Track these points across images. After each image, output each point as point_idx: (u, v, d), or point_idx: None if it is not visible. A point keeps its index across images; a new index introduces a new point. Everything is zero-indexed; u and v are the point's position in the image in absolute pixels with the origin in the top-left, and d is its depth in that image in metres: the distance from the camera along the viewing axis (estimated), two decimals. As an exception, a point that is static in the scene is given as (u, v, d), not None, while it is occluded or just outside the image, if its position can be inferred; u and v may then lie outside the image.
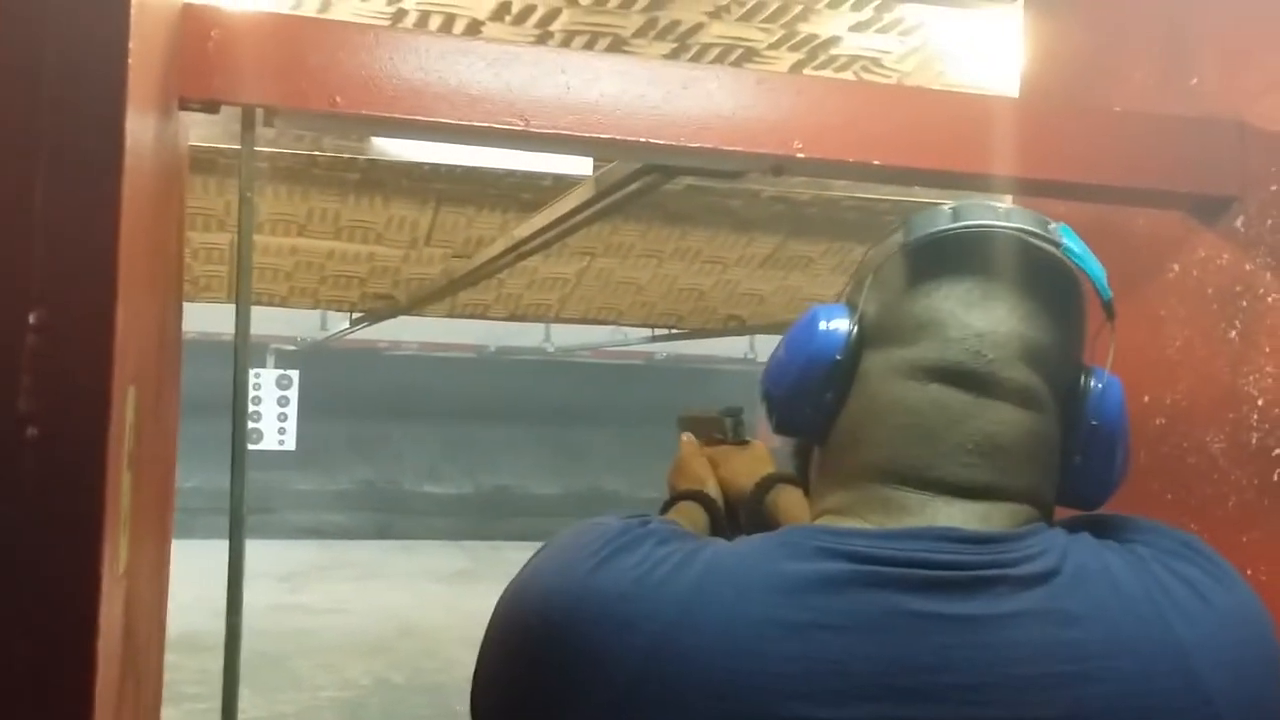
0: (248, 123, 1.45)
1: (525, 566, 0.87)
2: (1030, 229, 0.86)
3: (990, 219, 0.86)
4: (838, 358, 0.86)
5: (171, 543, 1.68)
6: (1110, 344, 0.89)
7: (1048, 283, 0.86)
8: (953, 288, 0.84)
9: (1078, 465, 0.88)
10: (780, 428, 0.91)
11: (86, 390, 0.68)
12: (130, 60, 0.72)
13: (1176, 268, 1.70)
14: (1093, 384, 0.88)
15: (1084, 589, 0.80)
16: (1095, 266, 0.88)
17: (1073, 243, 0.87)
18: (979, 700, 0.75)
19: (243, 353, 1.33)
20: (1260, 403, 1.55)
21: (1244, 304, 1.59)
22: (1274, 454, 1.52)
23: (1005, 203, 0.89)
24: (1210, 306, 1.63)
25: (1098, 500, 0.92)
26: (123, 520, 0.80)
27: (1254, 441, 1.55)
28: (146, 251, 0.93)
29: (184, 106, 1.36)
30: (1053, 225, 0.87)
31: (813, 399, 0.87)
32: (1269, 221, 1.57)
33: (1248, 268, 1.59)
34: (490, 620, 0.85)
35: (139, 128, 0.81)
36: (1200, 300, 1.65)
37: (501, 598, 0.86)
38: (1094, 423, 0.87)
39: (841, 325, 0.88)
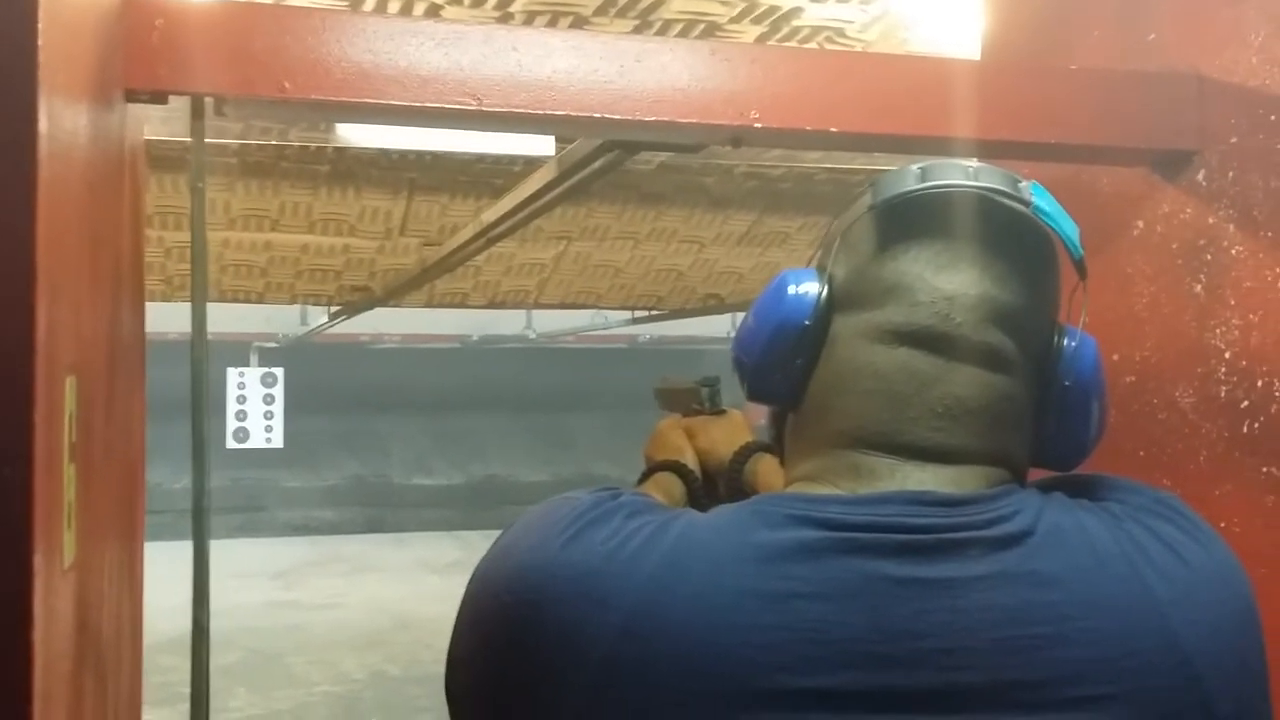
0: (197, 112, 1.43)
1: (496, 543, 0.85)
2: (999, 188, 0.84)
3: (959, 179, 0.84)
4: (806, 323, 0.85)
5: (142, 540, 1.66)
6: (1084, 303, 0.87)
7: (1018, 243, 0.85)
8: (921, 250, 0.83)
9: (1052, 426, 0.87)
10: (752, 395, 0.90)
11: (8, 379, 0.66)
12: (43, 48, 0.71)
13: (1141, 224, 1.69)
14: (1066, 344, 0.86)
15: (1059, 549, 0.79)
16: (1067, 225, 0.86)
17: (1044, 201, 0.85)
18: (957, 665, 0.74)
19: (199, 346, 1.32)
20: (1227, 355, 1.55)
21: (1208, 257, 1.58)
22: (1242, 406, 1.52)
23: (975, 162, 0.86)
24: (1175, 262, 1.63)
25: (1073, 461, 0.90)
26: (66, 512, 0.78)
27: (1223, 395, 1.55)
28: (83, 241, 0.92)
29: (131, 98, 1.34)
30: (1023, 184, 0.85)
31: (782, 365, 0.86)
32: (1230, 174, 1.57)
33: (1211, 221, 1.59)
34: (463, 598, 0.83)
35: (63, 116, 0.80)
36: (1165, 256, 1.65)
37: (474, 575, 0.84)
38: (1067, 383, 0.86)
39: (810, 290, 0.86)
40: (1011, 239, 0.84)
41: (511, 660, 0.77)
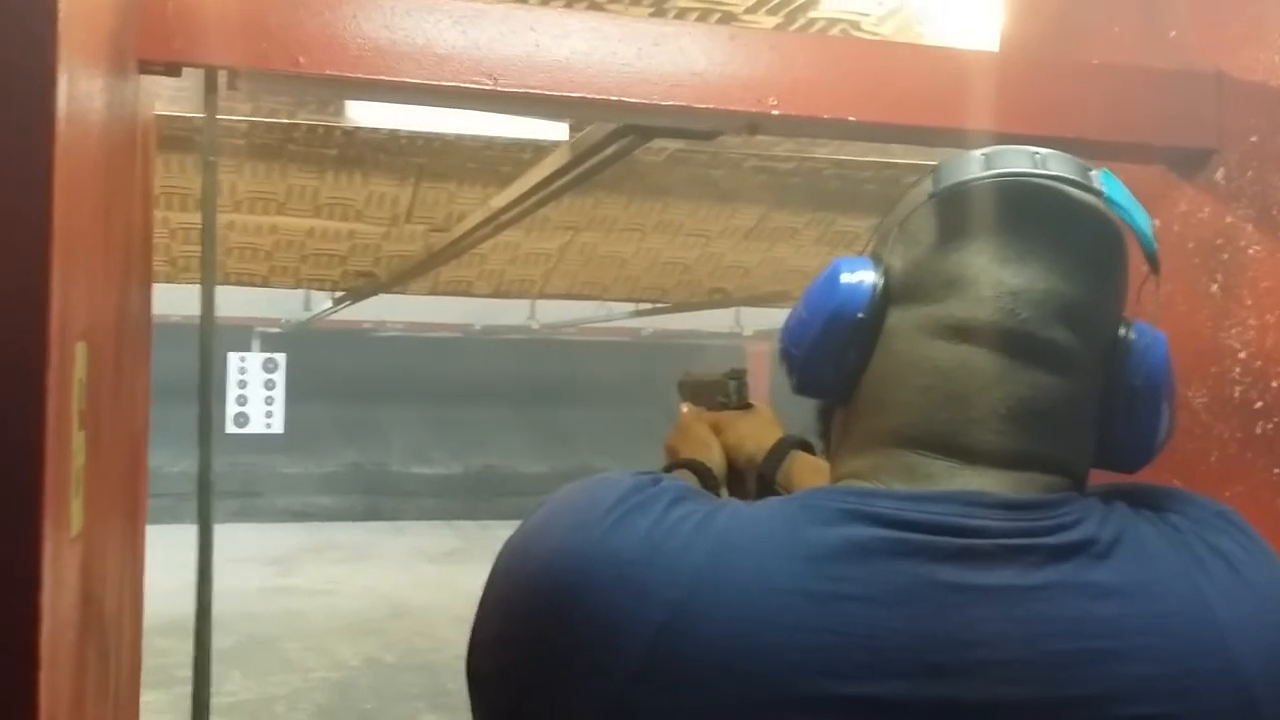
0: (210, 85, 1.42)
1: (528, 520, 0.82)
2: (1069, 177, 0.80)
3: (1026, 166, 0.79)
4: (861, 315, 0.81)
5: (144, 518, 1.65)
6: (1156, 298, 0.84)
7: (1088, 235, 0.80)
8: (985, 242, 0.79)
9: (1119, 427, 0.83)
10: (800, 389, 0.86)
11: (22, 339, 0.65)
12: (62, 16, 0.70)
13: (1157, 223, 1.68)
14: (1135, 341, 0.82)
15: (1120, 561, 0.76)
16: (1140, 216, 0.82)
17: (1115, 191, 0.81)
18: (1011, 677, 0.72)
19: (207, 322, 1.30)
20: (1242, 356, 1.53)
21: (1225, 257, 1.57)
22: (1256, 407, 1.51)
23: (1043, 149, 0.81)
24: (1192, 260, 1.62)
25: (1139, 464, 0.86)
26: (74, 480, 0.77)
27: (1236, 395, 1.54)
28: (97, 209, 0.91)
29: (145, 70, 1.33)
30: (1094, 172, 0.81)
31: (834, 359, 0.82)
32: (1249, 173, 1.55)
33: (1228, 220, 1.57)
34: (491, 578, 0.80)
35: (81, 81, 0.79)
36: (1181, 255, 1.63)
37: (503, 554, 0.80)
38: (1136, 382, 0.82)
39: (865, 280, 0.82)
40: (1081, 231, 0.80)
41: (543, 645, 0.74)
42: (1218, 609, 0.76)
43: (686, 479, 1.22)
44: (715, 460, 1.28)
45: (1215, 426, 1.57)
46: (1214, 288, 1.58)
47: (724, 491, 1.28)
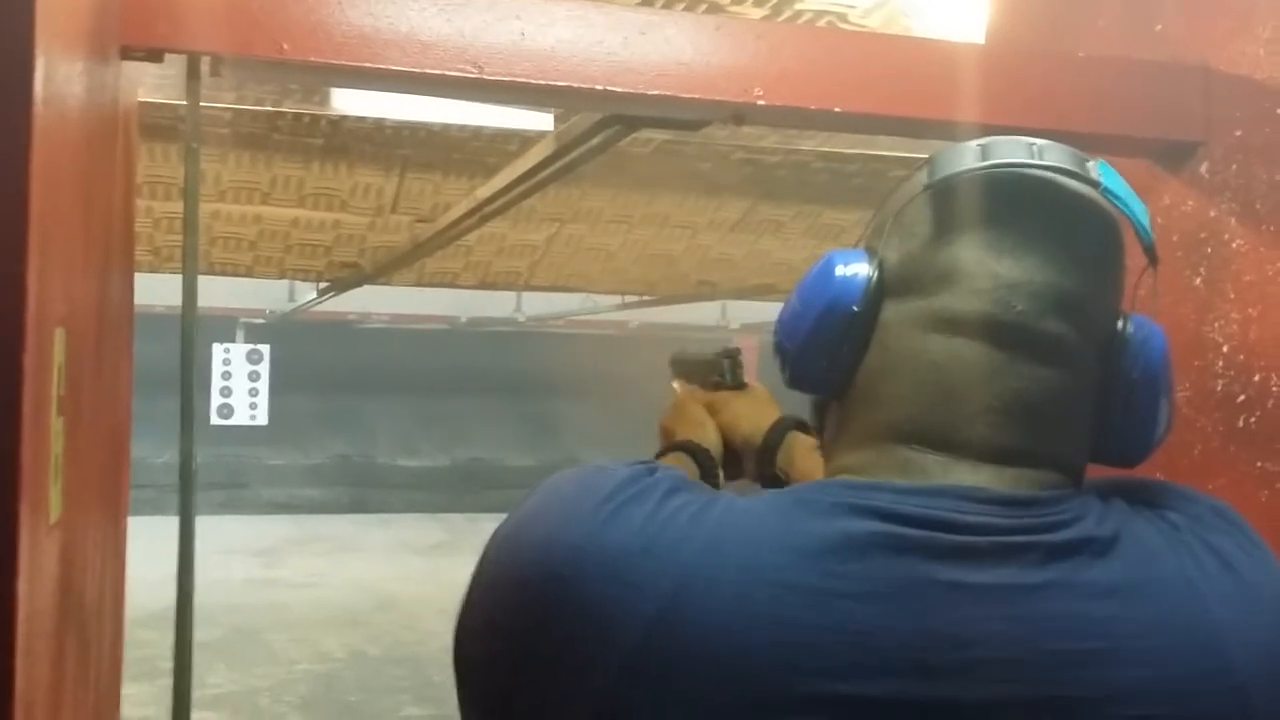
0: (193, 72, 1.41)
1: (520, 508, 0.80)
2: (1066, 168, 0.79)
3: (1022, 157, 0.78)
4: (855, 308, 0.80)
5: (126, 507, 1.64)
6: (1154, 290, 0.83)
7: (1085, 227, 0.79)
8: (980, 234, 0.78)
9: (1117, 421, 0.82)
10: (794, 383, 0.85)
11: (-1, 322, 0.65)
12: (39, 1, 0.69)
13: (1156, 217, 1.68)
14: (1132, 334, 0.81)
15: (1117, 560, 0.75)
16: (1137, 208, 0.81)
17: (1112, 183, 0.80)
18: (1007, 677, 0.71)
19: (190, 312, 1.29)
20: (1225, 349, 1.54)
21: (1209, 250, 1.58)
22: (1239, 400, 1.52)
23: (1039, 140, 0.80)
24: (1175, 254, 1.62)
25: (1137, 458, 0.85)
26: (53, 466, 0.77)
27: (1219, 388, 1.54)
28: (76, 196, 0.90)
29: (127, 55, 1.32)
30: (1091, 163, 0.80)
31: (828, 352, 0.81)
32: (1234, 167, 1.56)
33: (1213, 214, 1.58)
34: (481, 565, 0.79)
35: (59, 66, 0.78)
36: (1165, 248, 1.63)
37: (495, 541, 0.79)
38: (1134, 375, 0.81)
39: (860, 272, 0.81)
40: (1077, 222, 0.79)
41: (534, 637, 0.73)
42: (1214, 609, 0.76)
43: (682, 463, 1.21)
44: (711, 441, 1.27)
45: (1198, 420, 1.57)
46: (1198, 281, 1.59)
47: (721, 473, 1.26)
